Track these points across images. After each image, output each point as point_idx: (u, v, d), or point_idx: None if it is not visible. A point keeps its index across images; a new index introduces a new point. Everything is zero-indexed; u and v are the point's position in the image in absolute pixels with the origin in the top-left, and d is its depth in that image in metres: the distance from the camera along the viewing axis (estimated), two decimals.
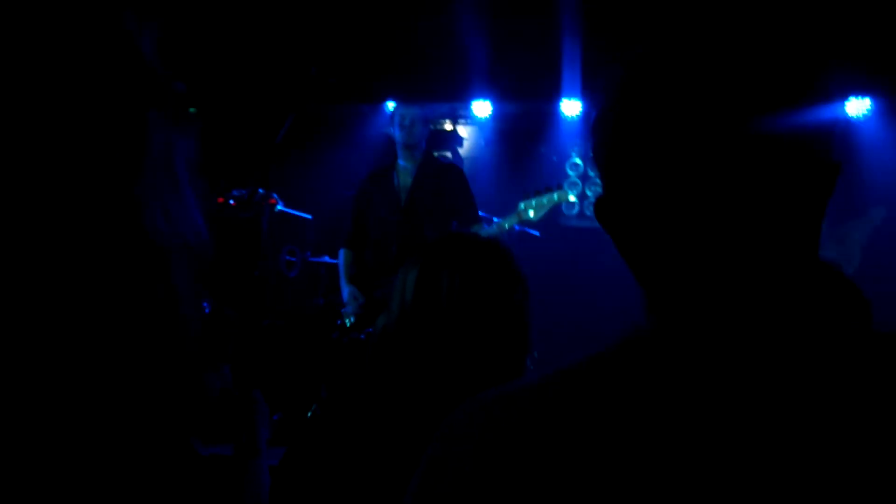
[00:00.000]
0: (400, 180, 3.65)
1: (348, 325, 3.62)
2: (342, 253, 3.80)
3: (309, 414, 4.14)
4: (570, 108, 5.65)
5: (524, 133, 6.05)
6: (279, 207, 4.57)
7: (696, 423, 0.53)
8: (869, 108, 4.80)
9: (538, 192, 3.52)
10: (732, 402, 0.53)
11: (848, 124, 5.03)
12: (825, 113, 0.59)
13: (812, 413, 0.52)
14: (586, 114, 5.72)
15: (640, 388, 0.56)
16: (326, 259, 4.88)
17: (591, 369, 0.59)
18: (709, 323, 0.57)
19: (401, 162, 3.68)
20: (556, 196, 3.51)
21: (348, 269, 3.75)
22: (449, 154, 6.09)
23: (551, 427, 0.56)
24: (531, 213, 3.47)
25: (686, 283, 0.59)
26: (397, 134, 3.61)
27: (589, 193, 5.86)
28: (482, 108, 5.81)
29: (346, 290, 3.70)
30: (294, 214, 4.86)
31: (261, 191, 4.45)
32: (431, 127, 3.93)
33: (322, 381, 4.07)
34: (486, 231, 3.46)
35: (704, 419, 0.53)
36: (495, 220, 4.72)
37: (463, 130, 6.32)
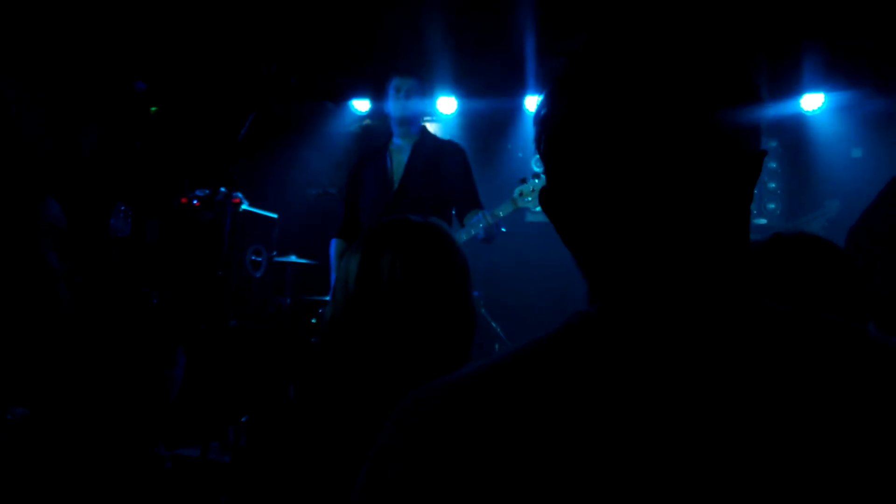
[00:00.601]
0: (393, 161, 3.33)
1: None
2: (334, 243, 3.47)
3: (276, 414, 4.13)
4: (535, 104, 5.69)
5: (490, 129, 6.08)
6: (244, 207, 4.53)
7: (631, 401, 0.56)
8: (822, 103, 4.92)
9: (536, 176, 3.22)
10: (663, 380, 0.57)
11: (801, 119, 5.15)
12: (750, 108, 0.62)
13: (726, 386, 0.56)
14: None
15: (580, 370, 0.58)
16: (292, 258, 4.85)
17: (535, 354, 0.61)
18: (644, 307, 0.61)
19: (395, 140, 3.37)
20: None
21: (339, 260, 3.40)
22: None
23: (497, 413, 0.58)
24: (528, 199, 3.23)
25: (623, 270, 0.62)
26: (391, 107, 3.30)
27: None
28: (448, 104, 5.82)
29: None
30: (259, 214, 4.82)
31: (223, 190, 4.41)
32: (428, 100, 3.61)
33: (290, 383, 4.04)
34: (479, 219, 3.21)
35: (638, 398, 0.56)
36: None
37: (429, 127, 6.32)
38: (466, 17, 4.39)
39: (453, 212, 3.39)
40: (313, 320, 4.35)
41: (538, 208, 3.27)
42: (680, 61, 0.61)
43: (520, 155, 6.07)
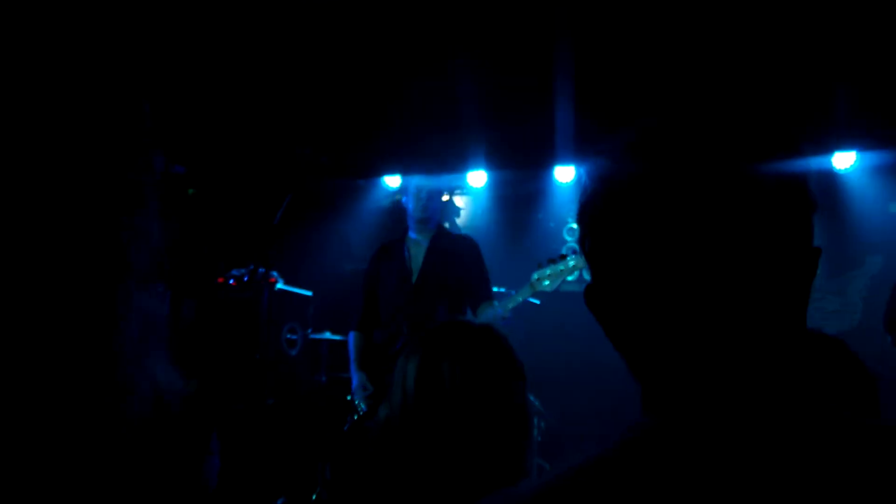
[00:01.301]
0: (411, 254, 3.48)
1: (360, 414, 3.47)
2: (352, 336, 3.60)
3: (314, 497, 4.04)
4: (564, 174, 5.74)
5: (520, 200, 6.13)
6: (279, 286, 4.58)
7: None
8: (855, 161, 4.88)
9: (552, 261, 3.27)
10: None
11: (836, 176, 5.10)
12: (807, 207, 0.62)
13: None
14: (580, 179, 5.80)
15: (647, 493, 0.55)
16: (327, 335, 4.86)
17: (598, 473, 0.58)
18: (706, 420, 0.57)
19: (412, 235, 3.53)
20: (571, 262, 3.25)
21: (359, 353, 3.55)
22: (447, 224, 6.15)
23: None
24: (546, 283, 3.24)
25: (680, 376, 0.59)
26: (411, 207, 3.46)
27: None
28: (478, 178, 5.89)
29: (356, 378, 3.49)
30: (294, 292, 4.86)
31: (261, 270, 4.47)
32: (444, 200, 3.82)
33: (326, 463, 3.98)
34: (496, 309, 3.25)
35: None
36: (512, 292, 4.69)
37: (459, 200, 6.40)
38: (494, 90, 4.49)
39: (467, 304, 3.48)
40: (348, 397, 4.32)
41: (550, 286, 3.28)
42: (723, 151, 0.60)
43: (551, 225, 6.09)
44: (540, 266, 3.23)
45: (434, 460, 1.06)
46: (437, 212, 3.54)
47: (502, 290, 4.73)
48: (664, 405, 0.60)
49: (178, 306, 4.70)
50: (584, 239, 0.66)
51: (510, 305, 3.18)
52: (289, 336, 4.82)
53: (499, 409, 1.09)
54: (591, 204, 0.65)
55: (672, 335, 0.58)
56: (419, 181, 3.48)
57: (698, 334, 0.57)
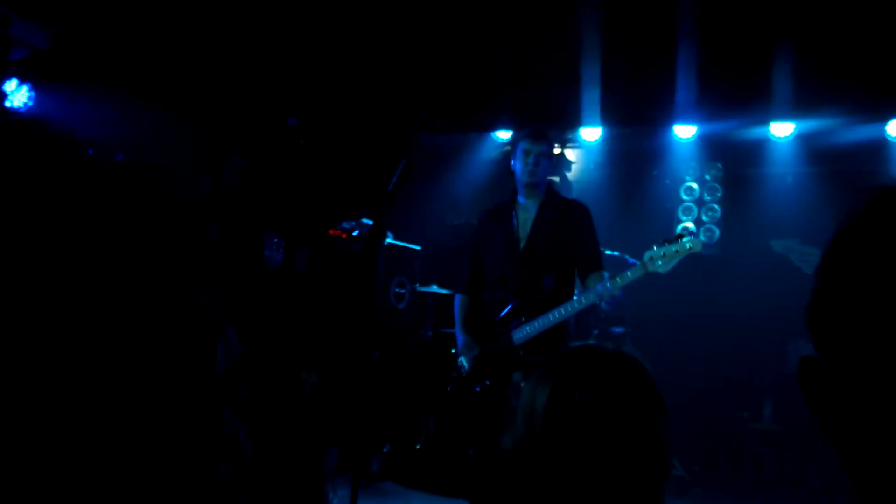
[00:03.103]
0: (519, 220, 3.36)
1: (464, 374, 3.50)
2: (458, 299, 3.54)
3: (417, 447, 4.15)
4: (685, 131, 5.43)
5: (635, 156, 5.87)
6: (388, 240, 4.63)
7: None
8: None
9: (668, 241, 3.06)
10: None
11: None
12: None
13: None
14: (701, 136, 5.47)
15: None
16: (434, 289, 4.90)
17: None
18: None
19: (521, 199, 3.39)
20: (688, 245, 3.05)
21: (464, 316, 3.50)
22: (557, 179, 5.99)
23: None
24: (659, 264, 3.08)
25: None
26: (519, 170, 3.30)
27: (705, 218, 5.60)
28: (591, 132, 5.68)
29: (460, 339, 3.51)
30: (403, 246, 4.91)
31: (370, 223, 4.52)
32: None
33: (430, 417, 4.06)
34: (606, 283, 3.11)
35: None
36: (626, 256, 4.52)
37: (571, 154, 6.20)
38: (614, 45, 4.26)
39: (576, 271, 3.33)
40: (452, 350, 4.37)
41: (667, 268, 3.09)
42: None
43: (667, 182, 5.81)
44: (653, 245, 3.06)
45: (560, 495, 1.01)
46: (545, 176, 3.34)
47: (615, 253, 4.59)
48: None
49: (291, 256, 4.86)
50: (818, 310, 0.54)
51: (620, 284, 3.02)
52: (397, 290, 4.89)
53: (635, 445, 1.01)
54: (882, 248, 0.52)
55: None
56: (526, 145, 3.32)
57: None
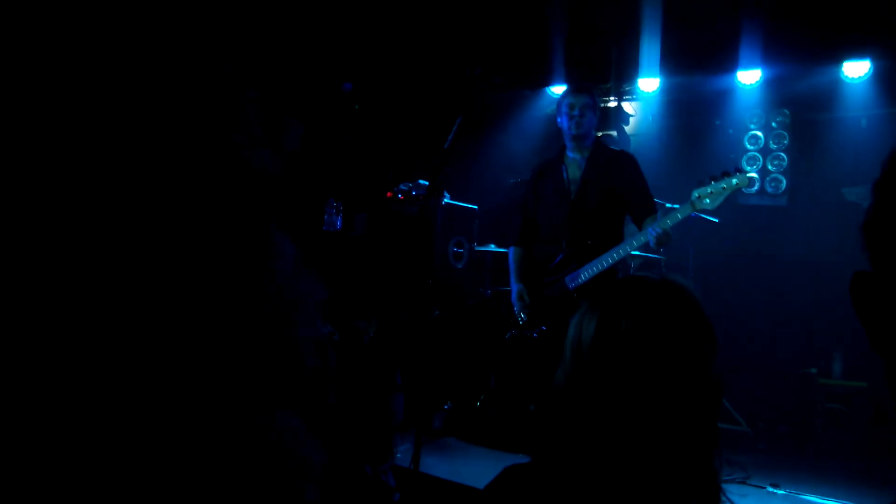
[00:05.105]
0: (569, 173, 3.47)
1: (521, 322, 3.58)
2: (512, 251, 3.69)
3: (478, 403, 4.22)
4: (749, 77, 5.22)
5: (696, 105, 5.67)
6: (446, 200, 4.64)
7: None
8: None
9: (714, 178, 3.13)
10: None
11: None
12: None
13: None
14: (766, 81, 5.24)
15: None
16: (492, 248, 4.91)
17: None
18: None
19: (569, 153, 3.50)
20: (734, 181, 3.06)
21: (518, 266, 3.64)
22: (614, 133, 5.86)
23: None
24: (707, 202, 3.10)
25: None
26: (565, 124, 3.40)
27: (771, 168, 5.39)
28: (649, 83, 5.52)
29: (514, 288, 3.63)
30: (460, 206, 4.92)
31: (427, 183, 4.53)
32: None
33: (490, 373, 4.11)
34: (656, 224, 3.14)
35: None
36: (668, 205, 4.46)
37: (628, 107, 6.04)
38: None
39: (627, 218, 3.43)
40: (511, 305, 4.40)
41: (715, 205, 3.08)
42: None
43: (730, 132, 5.60)
44: (700, 183, 3.09)
45: (610, 428, 1.00)
46: (591, 128, 3.43)
47: (675, 206, 4.49)
48: None
49: (350, 220, 4.93)
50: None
51: (670, 223, 3.05)
52: (455, 250, 4.92)
53: (684, 370, 1.00)
54: None
55: None
56: (570, 98, 3.37)
57: None
